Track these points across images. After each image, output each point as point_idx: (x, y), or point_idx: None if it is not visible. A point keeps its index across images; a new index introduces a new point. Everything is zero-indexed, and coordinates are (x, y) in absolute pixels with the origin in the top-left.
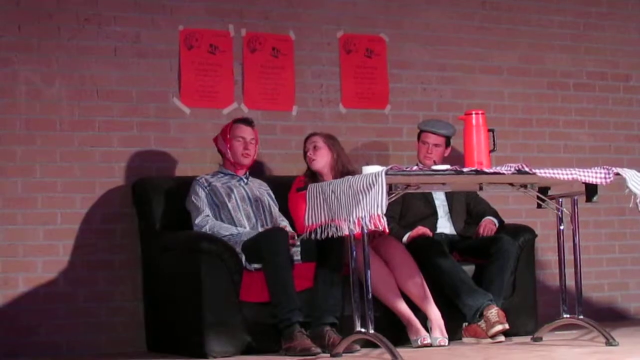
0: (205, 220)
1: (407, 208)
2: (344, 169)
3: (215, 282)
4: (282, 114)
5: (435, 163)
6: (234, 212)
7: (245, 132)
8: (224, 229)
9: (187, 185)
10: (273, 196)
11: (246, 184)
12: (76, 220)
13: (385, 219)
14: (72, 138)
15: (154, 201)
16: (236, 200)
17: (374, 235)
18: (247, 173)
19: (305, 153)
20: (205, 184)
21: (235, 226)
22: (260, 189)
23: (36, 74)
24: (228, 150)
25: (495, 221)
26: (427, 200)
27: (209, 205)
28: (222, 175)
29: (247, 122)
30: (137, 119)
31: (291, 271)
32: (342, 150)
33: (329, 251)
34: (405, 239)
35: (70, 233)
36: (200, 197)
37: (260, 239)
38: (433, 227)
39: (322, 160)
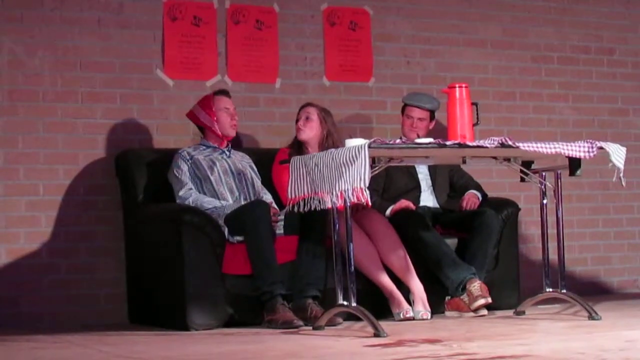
0: (189, 193)
1: (390, 181)
2: (333, 147)
3: (198, 254)
4: (265, 86)
5: (418, 136)
6: (216, 185)
7: (229, 103)
8: (207, 202)
9: (170, 158)
10: (255, 169)
11: (229, 156)
12: (59, 192)
13: (367, 192)
14: (55, 109)
15: (136, 173)
16: (219, 174)
17: (357, 209)
18: (230, 145)
19: (296, 121)
20: (188, 157)
21: (218, 199)
22: (243, 161)
23: (19, 44)
24: (215, 123)
25: (479, 195)
26: (410, 173)
27: (192, 179)
28: (204, 147)
29: (228, 93)
30: (120, 91)
31: (273, 244)
32: (334, 128)
33: (312, 224)
34: (388, 212)
35: (53, 205)
36: (182, 170)
37: (243, 212)
38: (416, 201)
39: (310, 132)
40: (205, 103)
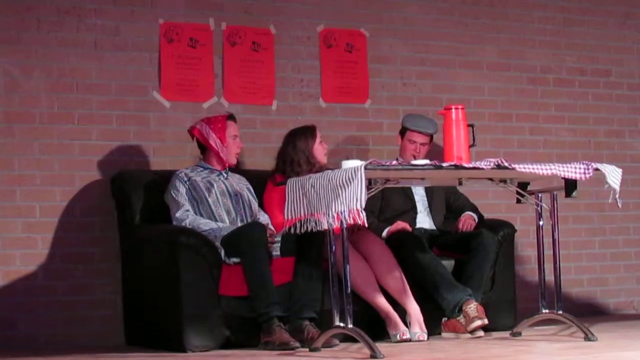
0: (186, 215)
1: (387, 203)
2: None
3: (194, 276)
4: (262, 108)
5: (415, 158)
6: (214, 207)
7: (237, 130)
8: (204, 224)
9: (167, 179)
10: (252, 191)
11: (226, 178)
12: (55, 214)
13: (364, 213)
14: (51, 131)
15: (133, 194)
16: (216, 195)
17: (353, 230)
18: (227, 168)
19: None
20: (185, 179)
21: (215, 220)
22: (240, 183)
23: (15, 66)
24: (224, 148)
25: (475, 216)
26: (407, 194)
27: (189, 200)
28: (201, 169)
29: (235, 119)
30: (117, 113)
31: (270, 265)
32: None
33: (308, 245)
34: (384, 233)
35: (49, 226)
36: (180, 192)
37: (239, 233)
38: (412, 222)
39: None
40: (217, 126)
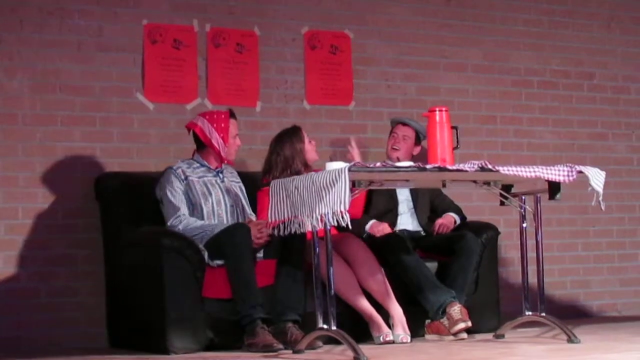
0: (177, 221)
1: (369, 202)
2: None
3: (178, 278)
4: (246, 110)
5: (399, 160)
6: (207, 217)
7: (237, 128)
8: (197, 228)
9: (150, 181)
10: (244, 190)
11: (222, 180)
12: (38, 215)
13: (348, 215)
14: (34, 132)
15: (116, 196)
16: (212, 205)
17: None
18: (222, 166)
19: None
20: (182, 177)
21: None
22: (233, 182)
23: None
24: (225, 147)
25: (457, 217)
26: (390, 194)
27: (185, 202)
28: (198, 165)
29: (236, 116)
30: (100, 114)
31: (253, 267)
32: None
33: (292, 248)
34: (367, 227)
35: (32, 228)
36: (176, 191)
37: (223, 236)
38: (394, 221)
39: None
40: (220, 126)
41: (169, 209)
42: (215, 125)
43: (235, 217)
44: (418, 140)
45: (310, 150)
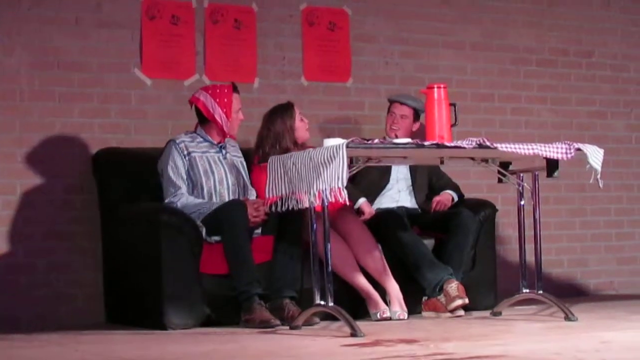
0: (177, 198)
1: (362, 175)
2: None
3: (175, 254)
4: (243, 86)
5: (396, 136)
6: (208, 195)
7: (240, 102)
8: (195, 206)
9: (148, 157)
10: (245, 165)
11: (225, 156)
12: (35, 191)
13: (346, 192)
14: (32, 109)
15: (114, 172)
16: (214, 184)
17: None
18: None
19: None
20: (185, 152)
21: None
22: (235, 156)
23: None
24: (228, 122)
25: (454, 195)
26: (383, 171)
27: (185, 179)
28: (201, 140)
29: (238, 90)
30: (98, 90)
31: (250, 244)
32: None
33: (289, 224)
34: (359, 205)
35: (30, 204)
36: (177, 167)
37: (220, 212)
38: (381, 191)
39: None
40: (223, 100)
41: (168, 185)
42: (218, 99)
43: (236, 195)
44: (417, 116)
45: (300, 128)
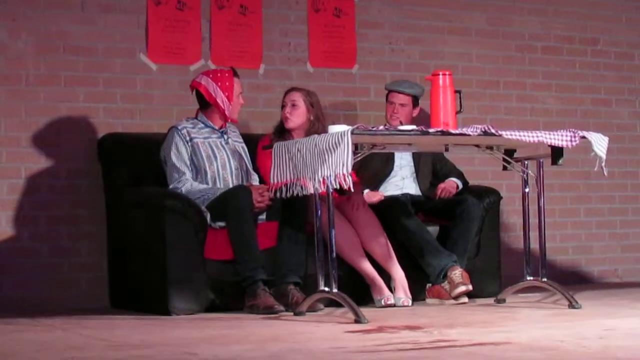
0: (182, 184)
1: (365, 162)
2: (318, 132)
3: (180, 239)
4: (249, 72)
5: (401, 123)
6: (211, 181)
7: (241, 87)
8: (199, 191)
9: (153, 142)
10: (246, 149)
11: (227, 141)
12: (41, 176)
13: (350, 178)
14: (38, 93)
15: (119, 157)
16: (217, 169)
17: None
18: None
19: (282, 107)
20: (187, 138)
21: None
22: (237, 142)
23: (1, 28)
24: (230, 105)
25: (459, 182)
26: (387, 158)
27: (189, 164)
28: (202, 126)
29: (239, 75)
30: (103, 75)
31: (255, 229)
32: (321, 111)
33: (294, 210)
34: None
35: (35, 188)
36: (180, 153)
37: (225, 197)
38: (386, 177)
39: (298, 120)
40: (224, 84)
41: (172, 172)
42: (219, 84)
43: (240, 180)
44: (416, 102)
45: (285, 117)
